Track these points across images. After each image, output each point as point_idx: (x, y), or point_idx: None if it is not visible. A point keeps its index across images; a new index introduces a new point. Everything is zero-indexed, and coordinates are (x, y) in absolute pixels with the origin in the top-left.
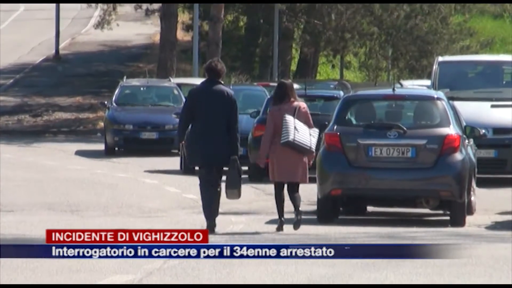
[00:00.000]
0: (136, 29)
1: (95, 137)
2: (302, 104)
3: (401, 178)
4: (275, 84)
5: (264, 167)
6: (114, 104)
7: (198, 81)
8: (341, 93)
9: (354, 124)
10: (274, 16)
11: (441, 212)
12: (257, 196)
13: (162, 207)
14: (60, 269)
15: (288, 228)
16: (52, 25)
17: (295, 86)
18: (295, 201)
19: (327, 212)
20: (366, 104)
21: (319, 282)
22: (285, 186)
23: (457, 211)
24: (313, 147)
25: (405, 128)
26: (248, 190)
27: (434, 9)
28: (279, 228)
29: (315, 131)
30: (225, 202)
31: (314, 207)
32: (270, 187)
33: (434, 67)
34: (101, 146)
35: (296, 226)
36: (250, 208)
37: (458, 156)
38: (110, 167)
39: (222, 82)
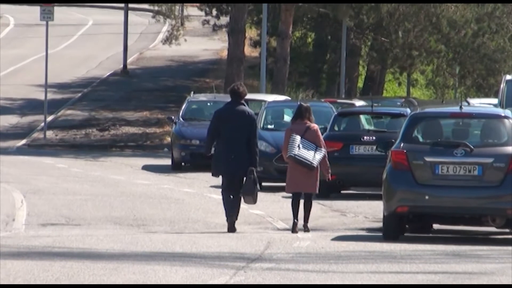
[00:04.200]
0: (203, 44)
1: (162, 152)
2: (313, 125)
3: (467, 196)
4: (343, 101)
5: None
6: (181, 119)
7: (265, 97)
8: (408, 110)
9: (421, 141)
10: (341, 33)
11: (507, 230)
12: (324, 213)
13: None
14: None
15: (351, 244)
16: (120, 39)
17: (361, 103)
18: (306, 209)
19: (393, 229)
20: (433, 121)
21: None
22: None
23: None
24: (315, 162)
25: (472, 146)
26: (315, 206)
27: (502, 28)
28: (294, 230)
29: (321, 150)
30: (291, 219)
31: (380, 224)
32: (337, 204)
33: (502, 85)
34: (167, 161)
35: (306, 231)
36: (317, 224)
37: None
38: (177, 182)
39: (244, 103)
